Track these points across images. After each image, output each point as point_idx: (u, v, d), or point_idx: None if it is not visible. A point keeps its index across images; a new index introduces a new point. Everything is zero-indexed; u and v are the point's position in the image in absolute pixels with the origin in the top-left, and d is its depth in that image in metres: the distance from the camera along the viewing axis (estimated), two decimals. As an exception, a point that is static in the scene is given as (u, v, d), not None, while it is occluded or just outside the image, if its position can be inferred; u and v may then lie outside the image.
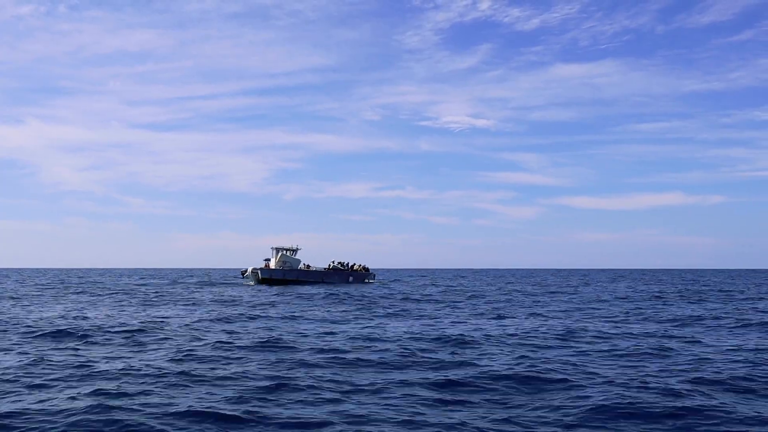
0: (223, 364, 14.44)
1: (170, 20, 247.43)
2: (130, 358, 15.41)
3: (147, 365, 14.05)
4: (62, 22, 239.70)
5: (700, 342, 18.88)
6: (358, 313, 29.39)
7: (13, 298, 41.12)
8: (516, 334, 20.34)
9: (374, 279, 76.08)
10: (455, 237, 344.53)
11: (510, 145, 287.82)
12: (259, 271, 67.78)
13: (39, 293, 47.05)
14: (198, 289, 55.22)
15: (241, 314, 27.90)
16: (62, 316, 26.47)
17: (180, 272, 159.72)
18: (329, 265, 72.50)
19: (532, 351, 16.71)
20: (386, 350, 16.60)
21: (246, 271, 75.64)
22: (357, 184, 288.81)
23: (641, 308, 33.07)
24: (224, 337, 19.19)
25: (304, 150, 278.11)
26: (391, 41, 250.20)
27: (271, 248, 69.03)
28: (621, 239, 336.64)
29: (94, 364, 14.32)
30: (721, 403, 10.76)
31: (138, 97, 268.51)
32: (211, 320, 25.17)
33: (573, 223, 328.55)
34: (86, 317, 26.20)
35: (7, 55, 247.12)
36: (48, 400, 10.80)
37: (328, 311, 30.17)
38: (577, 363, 14.74)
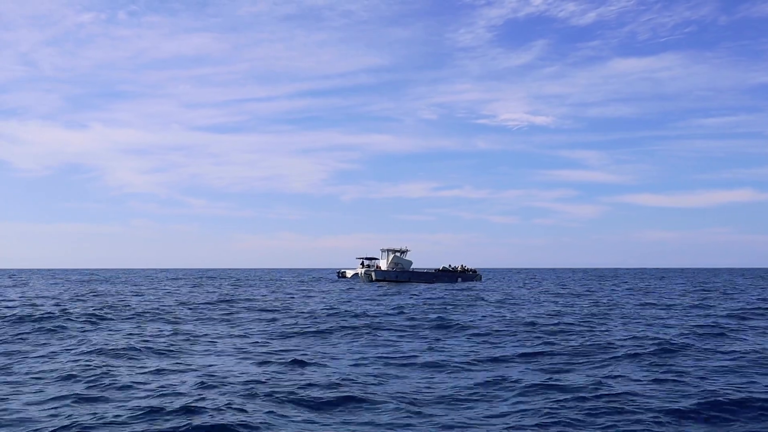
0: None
1: (224, 24, 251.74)
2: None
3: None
4: (122, 28, 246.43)
5: None
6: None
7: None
8: None
9: (481, 280, 77.52)
10: (516, 236, 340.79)
11: (569, 143, 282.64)
12: (373, 273, 69.54)
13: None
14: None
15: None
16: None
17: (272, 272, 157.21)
18: (441, 267, 75.09)
19: None
20: None
21: (343, 272, 77.39)
22: (414, 184, 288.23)
23: None
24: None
25: (361, 151, 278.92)
26: (444, 39, 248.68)
27: (381, 250, 70.79)
28: (688, 237, 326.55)
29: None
30: None
31: (196, 100, 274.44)
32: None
33: (637, 222, 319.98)
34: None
35: (69, 62, 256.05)
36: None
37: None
38: None
